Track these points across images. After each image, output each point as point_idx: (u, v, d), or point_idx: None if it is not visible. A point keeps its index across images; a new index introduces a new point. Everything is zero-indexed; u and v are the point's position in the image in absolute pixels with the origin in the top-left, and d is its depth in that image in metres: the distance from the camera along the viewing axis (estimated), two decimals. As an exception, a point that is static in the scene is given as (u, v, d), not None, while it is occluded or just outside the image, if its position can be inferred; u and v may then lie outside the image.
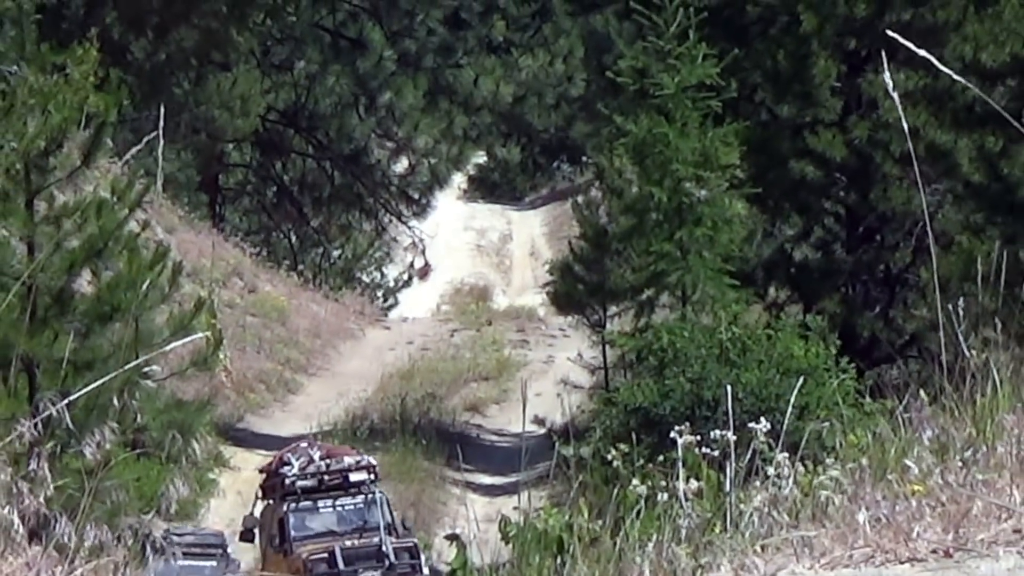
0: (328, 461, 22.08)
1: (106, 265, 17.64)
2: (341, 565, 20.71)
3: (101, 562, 8.24)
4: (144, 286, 17.40)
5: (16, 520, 7.88)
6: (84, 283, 18.02)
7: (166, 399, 19.68)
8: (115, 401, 11.99)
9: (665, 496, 11.22)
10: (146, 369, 15.49)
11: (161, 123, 38.18)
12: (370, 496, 21.88)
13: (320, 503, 21.86)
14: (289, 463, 22.03)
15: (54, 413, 9.24)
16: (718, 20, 26.27)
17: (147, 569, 20.82)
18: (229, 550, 23.79)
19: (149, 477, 19.12)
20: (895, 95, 9.14)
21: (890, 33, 9.51)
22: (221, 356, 23.69)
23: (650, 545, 10.10)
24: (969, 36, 24.70)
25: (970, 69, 24.14)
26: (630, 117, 25.19)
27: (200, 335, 18.38)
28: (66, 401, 9.69)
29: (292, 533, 21.56)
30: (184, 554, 20.89)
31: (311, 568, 20.87)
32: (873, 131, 26.50)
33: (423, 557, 21.18)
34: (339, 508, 21.95)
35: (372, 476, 22.25)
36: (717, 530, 10.26)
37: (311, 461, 21.99)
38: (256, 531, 22.26)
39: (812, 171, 27.47)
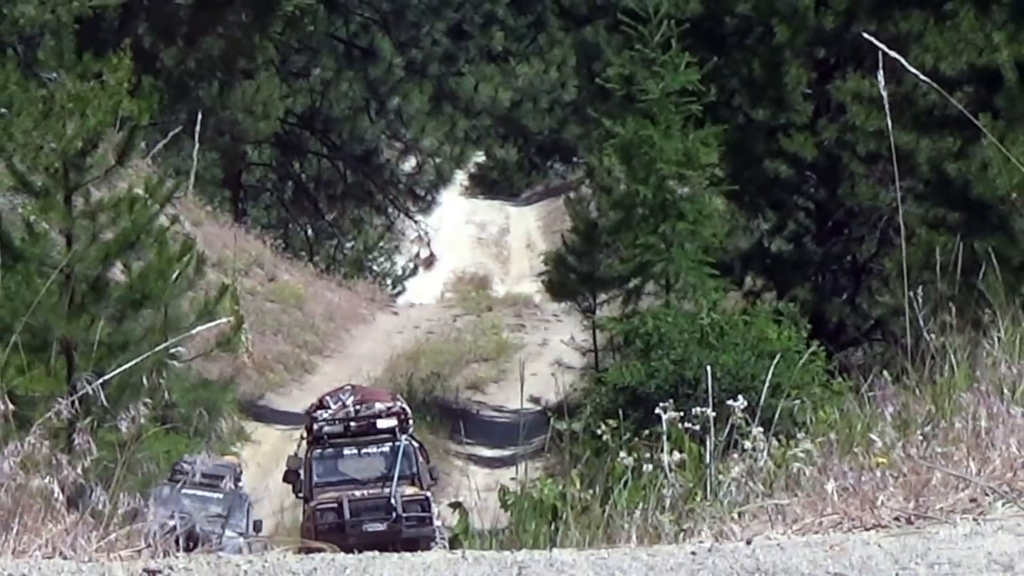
0: (358, 407, 19.83)
1: (138, 256, 17.63)
2: (347, 516, 18.65)
3: (132, 528, 8.23)
4: (172, 275, 17.39)
5: (56, 489, 7.87)
6: (118, 272, 17.99)
7: (193, 378, 19.71)
8: (146, 380, 11.95)
9: (650, 467, 11.20)
10: (174, 351, 15.47)
11: (197, 129, 38.22)
12: (396, 444, 19.50)
13: (346, 450, 19.71)
14: (326, 407, 19.98)
15: (90, 391, 9.20)
16: (699, 31, 26.23)
17: (151, 493, 20.42)
18: (241, 484, 22.02)
19: (178, 450, 19.09)
20: (884, 92, 9.11)
21: (865, 35, 9.47)
22: (243, 339, 23.71)
23: (636, 512, 10.08)
24: (929, 46, 24.65)
25: (930, 77, 24.06)
26: (618, 120, 25.17)
27: (224, 320, 18.38)
28: (101, 380, 9.65)
29: (314, 480, 19.55)
30: (191, 483, 19.83)
31: (319, 518, 18.84)
32: (841, 133, 26.49)
33: (435, 509, 18.70)
34: (364, 456, 19.73)
35: (403, 423, 19.84)
36: (698, 499, 10.25)
37: (344, 406, 19.86)
38: (300, 472, 20.02)
39: (785, 170, 27.47)
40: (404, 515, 18.55)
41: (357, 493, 18.90)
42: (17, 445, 7.94)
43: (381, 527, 18.41)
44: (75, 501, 8.15)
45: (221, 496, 21.33)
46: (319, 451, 19.66)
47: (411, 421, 20.06)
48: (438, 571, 5.68)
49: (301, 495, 19.71)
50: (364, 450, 19.58)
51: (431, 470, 19.90)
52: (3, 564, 5.98)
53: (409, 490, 19.01)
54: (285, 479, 20.14)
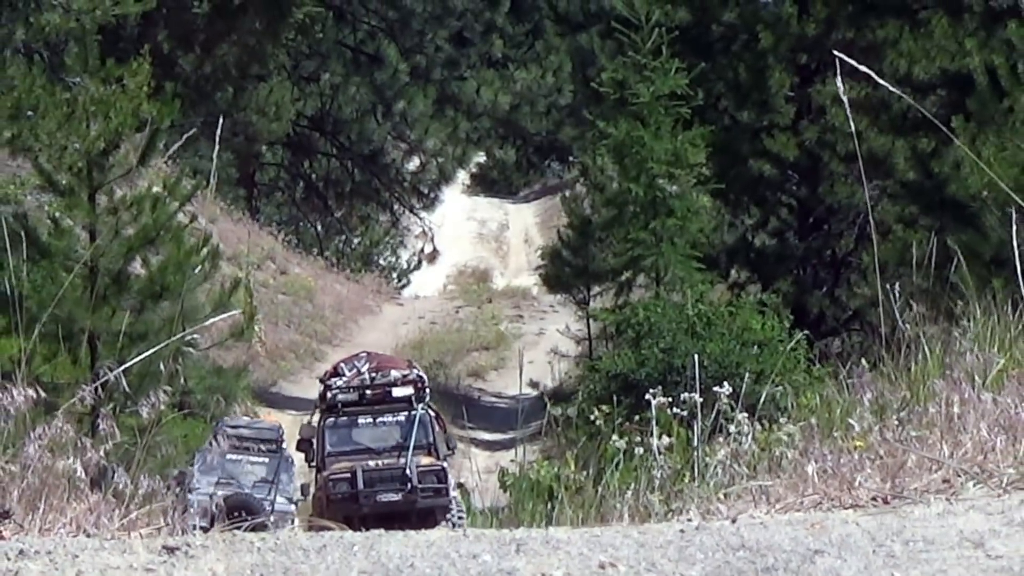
0: (374, 375, 18.17)
1: (157, 251, 17.62)
2: (360, 486, 16.99)
3: (152, 507, 8.23)
4: (190, 269, 17.39)
5: (80, 471, 7.87)
6: (138, 266, 17.99)
7: (209, 366, 19.68)
8: (165, 368, 11.94)
9: (641, 450, 11.22)
10: (191, 340, 15.50)
11: (218, 133, 38.20)
12: (412, 413, 17.78)
13: (360, 419, 18.05)
14: (340, 374, 18.35)
15: (112, 379, 9.22)
16: (687, 38, 26.23)
17: (198, 457, 19.74)
18: (284, 447, 20.56)
19: (195, 434, 19.03)
20: (845, 98, 9.13)
21: (836, 53, 9.47)
22: (256, 329, 23.69)
23: (628, 492, 10.10)
24: (904, 52, 24.67)
25: (905, 81, 24.11)
26: (611, 122, 25.16)
27: (238, 311, 18.38)
28: (122, 368, 9.67)
29: (327, 449, 17.93)
30: (233, 447, 18.71)
31: (332, 488, 17.27)
32: (821, 134, 26.50)
33: (451, 480, 17.13)
34: (378, 425, 18.06)
35: (419, 392, 18.16)
36: (686, 480, 10.26)
37: (359, 374, 18.20)
38: (313, 441, 18.50)
39: (768, 169, 27.47)
40: (419, 486, 16.93)
41: (371, 463, 17.35)
42: (44, 429, 7.95)
43: (396, 497, 16.91)
44: (98, 482, 8.15)
45: (267, 460, 19.91)
46: (332, 419, 18.13)
47: (428, 390, 18.45)
48: (441, 548, 5.68)
49: (314, 464, 18.28)
50: (379, 419, 18.04)
51: (448, 440, 18.26)
52: (30, 541, 5.98)
53: (425, 460, 17.41)
54: (298, 448, 18.65)
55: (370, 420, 18.04)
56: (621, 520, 10.13)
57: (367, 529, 15.71)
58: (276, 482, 19.40)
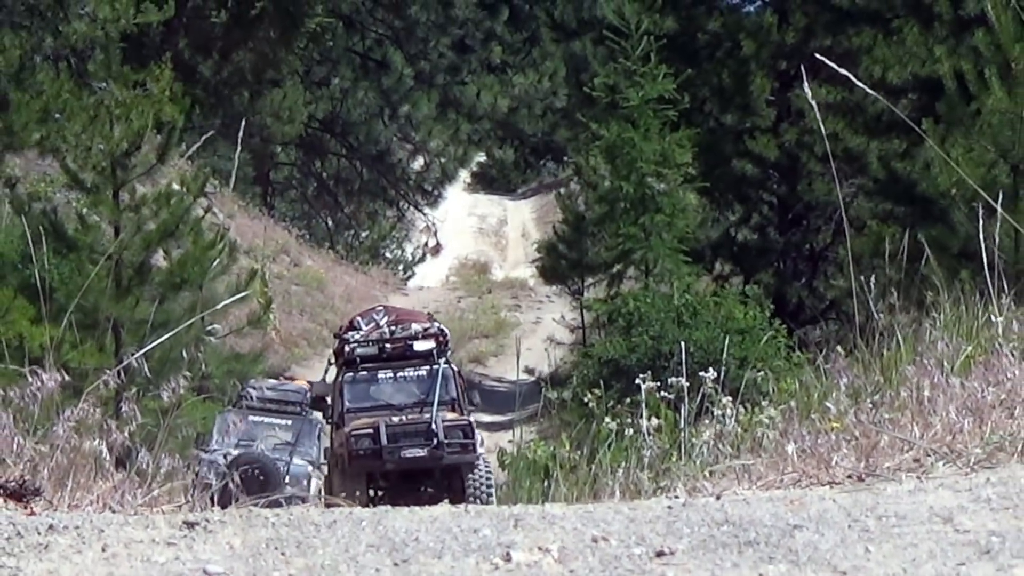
0: (393, 328, 16.28)
1: (177, 244, 17.63)
2: (384, 441, 14.99)
3: (173, 485, 8.23)
4: (208, 261, 17.39)
5: (105, 451, 7.87)
6: (160, 258, 17.99)
7: (226, 352, 19.68)
8: (185, 354, 11.96)
9: (631, 431, 11.21)
10: (210, 328, 15.49)
11: (240, 135, 38.21)
12: (434, 368, 15.88)
13: (380, 374, 16.06)
14: (357, 328, 16.41)
15: (135, 365, 9.21)
16: (675, 45, 26.23)
17: (218, 418, 18.35)
18: (310, 409, 19.40)
19: (213, 416, 19.03)
20: (814, 103, 9.14)
21: (818, 56, 9.47)
22: (271, 318, 23.68)
23: (619, 471, 10.10)
24: (878, 58, 24.66)
25: (879, 85, 24.09)
26: (603, 124, 25.17)
27: (248, 293, 18.37)
28: (144, 354, 9.66)
29: (347, 405, 15.95)
30: (258, 409, 17.80)
31: (353, 443, 15.23)
32: (800, 136, 26.51)
33: (478, 436, 15.31)
34: (399, 380, 16.07)
35: (441, 346, 16.22)
36: (673, 459, 10.25)
37: (377, 327, 16.28)
38: (328, 399, 16.72)
39: (750, 168, 27.49)
40: (446, 441, 15.01)
41: (395, 418, 15.39)
42: (71, 412, 7.94)
43: (421, 453, 15.02)
44: (122, 461, 8.15)
45: (289, 422, 18.94)
46: (351, 375, 16.12)
47: (449, 344, 16.48)
48: (444, 523, 5.68)
49: (332, 421, 16.42)
50: (400, 373, 16.07)
51: (470, 395, 16.46)
52: (59, 517, 5.98)
53: (450, 415, 15.53)
54: (313, 405, 17.09)
55: (390, 375, 16.18)
56: (613, 497, 10.13)
57: (390, 486, 14.45)
58: (295, 444, 18.54)
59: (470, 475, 14.43)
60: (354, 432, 15.38)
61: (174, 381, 8.66)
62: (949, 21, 23.89)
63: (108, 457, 7.91)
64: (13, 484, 6.82)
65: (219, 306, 15.68)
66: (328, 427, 20.88)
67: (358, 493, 13.93)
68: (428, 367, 16.04)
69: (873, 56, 24.75)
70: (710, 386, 10.52)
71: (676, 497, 7.83)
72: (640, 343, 21.58)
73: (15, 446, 7.67)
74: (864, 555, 5.06)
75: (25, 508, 6.67)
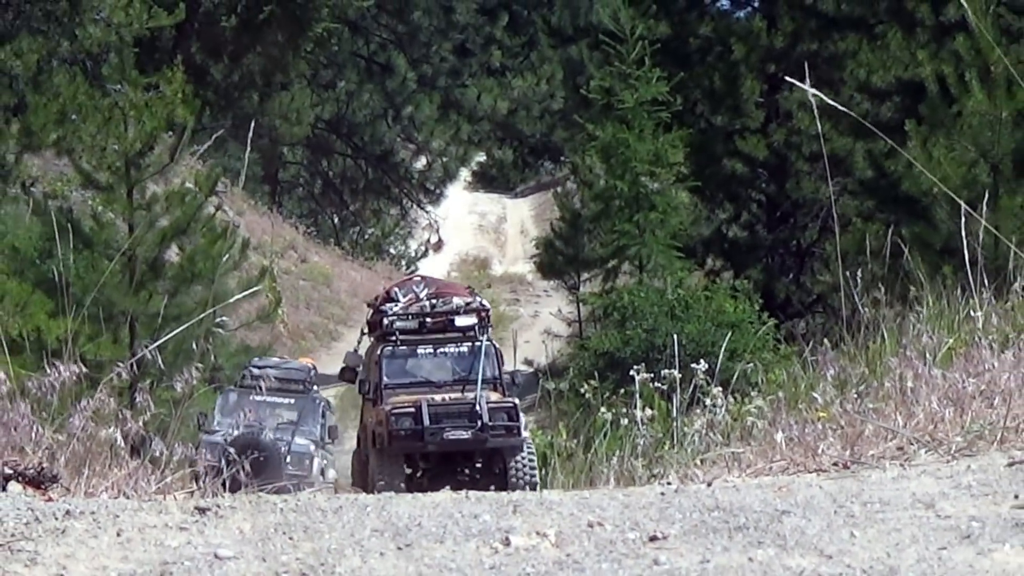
0: (434, 301, 14.59)
1: (189, 240, 17.63)
2: (426, 422, 13.42)
3: (186, 472, 8.23)
4: (219, 257, 17.39)
5: (120, 439, 7.87)
6: (172, 254, 18.00)
7: (236, 345, 19.68)
8: (197, 347, 11.94)
9: (626, 421, 11.21)
10: (221, 321, 15.46)
11: (249, 136, 38.19)
12: (476, 344, 14.28)
13: (420, 348, 14.38)
14: (395, 299, 14.66)
15: (149, 356, 9.19)
16: (668, 50, 26.22)
17: (220, 398, 17.98)
18: (315, 388, 18.75)
19: (214, 396, 18.98)
20: (814, 102, 9.13)
21: (805, 61, 9.44)
22: (279, 312, 23.64)
23: (614, 459, 10.10)
24: (863, 62, 24.65)
25: (864, 88, 24.10)
26: (598, 125, 25.16)
27: (259, 289, 18.36)
28: (158, 346, 9.65)
29: (384, 380, 14.19)
30: (259, 388, 17.23)
31: (394, 423, 13.59)
32: (788, 137, 26.51)
33: (523, 419, 13.78)
34: (440, 355, 14.42)
35: (483, 322, 14.56)
36: (666, 447, 10.25)
37: (416, 299, 14.59)
38: (359, 370, 14.91)
39: (740, 168, 27.49)
40: (490, 423, 13.56)
41: (437, 397, 13.87)
42: (88, 402, 7.94)
43: (465, 435, 13.56)
44: (137, 449, 8.15)
45: (293, 401, 18.21)
46: (390, 349, 14.40)
47: (491, 320, 14.93)
48: (446, 509, 5.68)
49: (369, 397, 14.61)
50: (440, 349, 14.46)
51: (512, 375, 14.74)
52: (76, 502, 5.98)
53: (494, 396, 14.08)
54: (341, 376, 15.29)
55: (430, 350, 14.51)
56: (608, 483, 10.14)
57: (430, 468, 13.56)
58: (298, 423, 17.86)
59: (514, 459, 13.06)
60: (395, 411, 13.77)
61: (186, 372, 8.66)
62: (931, 26, 23.90)
63: (123, 445, 7.91)
64: (31, 471, 6.82)
65: (230, 300, 15.66)
66: (328, 405, 19.82)
67: (397, 474, 12.77)
68: (470, 344, 14.50)
69: (858, 60, 24.75)
70: (701, 377, 10.52)
71: (669, 484, 7.83)
72: (634, 336, 21.58)
73: (33, 435, 7.68)
74: (849, 539, 5.07)
75: (43, 494, 6.68)
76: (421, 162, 50.40)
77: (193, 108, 17.91)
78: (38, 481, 6.80)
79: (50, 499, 6.37)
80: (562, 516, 5.50)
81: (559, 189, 38.20)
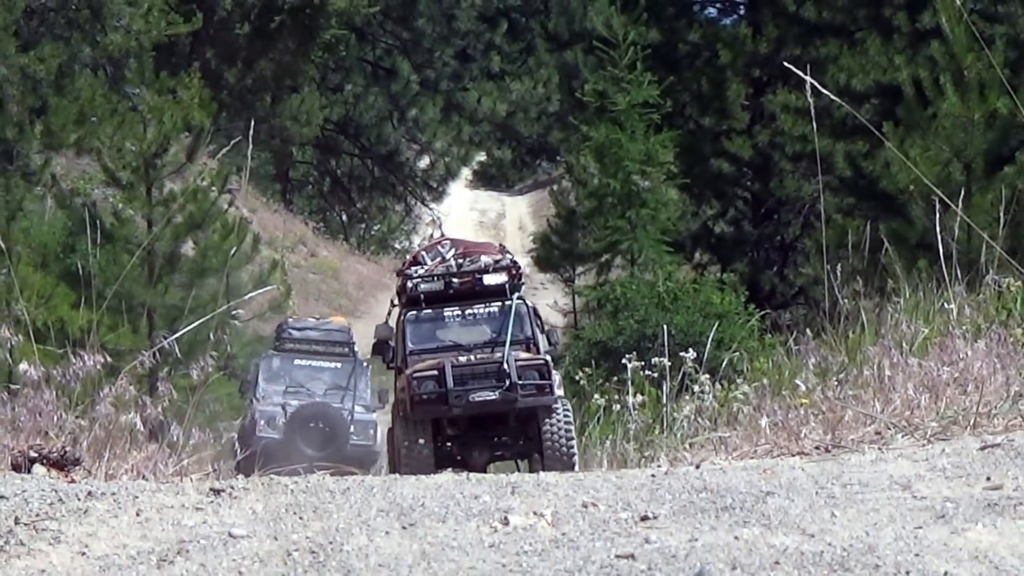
0: (460, 261, 12.82)
1: (204, 236, 17.64)
2: (450, 384, 11.70)
3: (201, 456, 8.24)
4: (232, 252, 17.39)
5: (139, 424, 7.88)
6: (188, 249, 18.00)
7: (250, 335, 19.69)
8: (212, 337, 11.93)
9: (618, 407, 11.21)
10: (234, 312, 15.45)
11: (252, 135, 38.15)
12: (507, 304, 12.48)
13: (447, 311, 12.54)
14: (421, 262, 12.90)
15: (167, 346, 9.19)
16: (658, 55, 26.20)
17: (256, 364, 16.54)
18: (356, 350, 16.69)
19: (238, 393, 19.01)
20: (811, 102, 9.13)
21: (787, 64, 9.45)
22: (290, 303, 23.65)
23: (607, 443, 10.12)
24: (843, 66, 24.64)
25: (844, 91, 24.07)
26: (593, 127, 25.14)
27: (273, 287, 18.34)
28: (175, 336, 9.65)
29: (409, 346, 12.40)
30: (302, 351, 15.95)
31: (416, 387, 11.81)
32: (772, 137, 26.49)
33: (556, 378, 11.90)
34: (468, 318, 12.63)
35: (514, 280, 12.77)
36: (656, 432, 10.26)
37: (443, 261, 12.87)
38: (391, 343, 12.78)
39: (727, 167, 27.48)
40: (519, 382, 11.77)
41: (462, 358, 12.09)
42: (109, 389, 7.95)
43: (492, 396, 11.79)
44: (155, 434, 8.15)
45: (338, 365, 16.17)
46: (414, 313, 12.61)
47: (523, 278, 13.13)
48: (448, 490, 5.69)
49: (393, 365, 12.88)
50: (468, 311, 12.67)
51: (549, 334, 12.80)
52: (97, 484, 5.99)
53: (524, 354, 12.22)
54: (375, 351, 13.06)
55: (458, 313, 12.71)
56: (601, 466, 10.15)
57: (458, 434, 11.68)
58: (353, 389, 15.88)
59: (547, 420, 11.59)
60: (416, 374, 12.04)
61: (202, 361, 8.67)
62: (907, 33, 23.91)
63: (142, 430, 7.91)
64: (55, 454, 6.83)
65: (246, 296, 15.64)
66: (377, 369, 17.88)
67: (422, 442, 11.40)
68: (500, 303, 12.71)
69: (839, 65, 24.74)
70: (690, 365, 10.52)
71: (659, 466, 7.84)
72: (626, 326, 21.56)
73: (57, 420, 7.69)
74: (830, 519, 5.07)
75: (66, 476, 6.68)
76: (424, 161, 50.37)
77: (209, 111, 17.93)
78: (62, 464, 6.81)
79: (73, 481, 6.37)
80: (558, 497, 5.50)
81: (555, 187, 38.09)
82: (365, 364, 16.10)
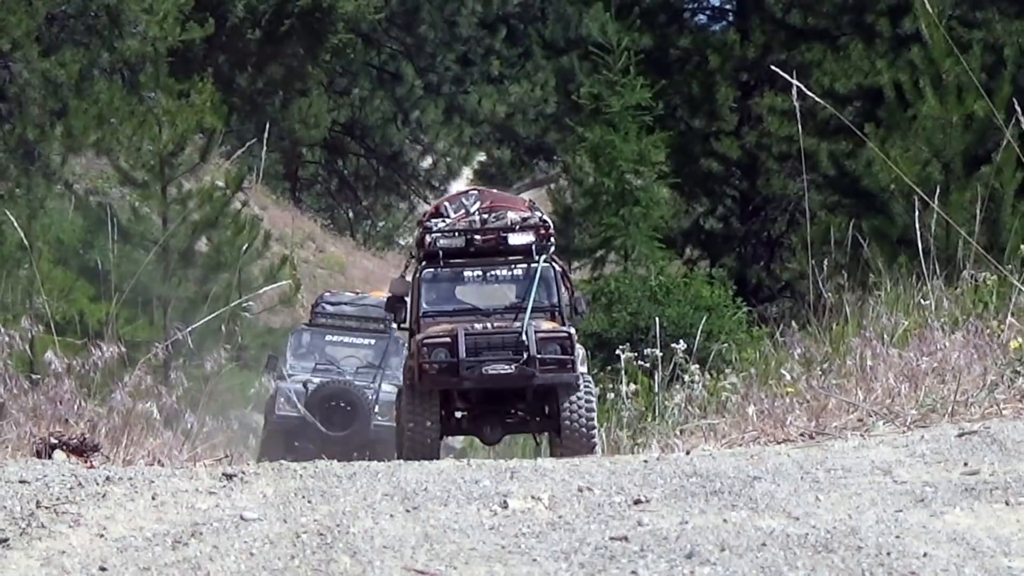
0: (485, 216, 10.58)
1: (217, 232, 17.63)
2: (462, 353, 9.78)
3: (214, 442, 8.24)
4: (244, 248, 17.39)
5: (155, 412, 7.88)
6: (202, 245, 17.99)
7: (260, 327, 19.69)
8: (224, 329, 11.95)
9: (612, 396, 11.20)
10: (246, 306, 15.44)
11: (265, 136, 38.18)
12: (532, 266, 10.35)
13: (466, 271, 10.46)
14: (443, 214, 10.67)
15: (181, 337, 9.20)
16: (651, 60, 26.20)
17: (292, 338, 15.31)
18: (394, 327, 14.33)
19: (250, 383, 18.94)
20: (797, 105, 9.14)
21: (774, 68, 9.44)
22: (299, 297, 23.63)
23: (601, 430, 10.10)
24: (827, 70, 24.65)
25: (828, 94, 24.06)
26: (588, 128, 25.13)
27: (284, 282, 18.33)
28: (190, 329, 9.65)
29: (423, 307, 10.37)
30: (336, 327, 14.64)
31: (425, 355, 9.86)
32: (759, 138, 26.50)
33: (580, 352, 9.92)
34: (490, 279, 10.55)
35: (542, 240, 10.46)
36: (649, 420, 10.25)
37: (467, 215, 10.63)
38: (407, 299, 10.65)
39: (716, 166, 27.48)
40: (538, 356, 9.86)
41: (477, 325, 10.08)
42: (127, 378, 7.95)
43: (508, 370, 9.89)
44: (170, 422, 8.15)
45: (372, 341, 14.67)
46: (431, 271, 10.50)
47: (552, 238, 10.70)
48: (450, 475, 5.69)
49: (405, 326, 10.71)
50: (491, 272, 10.61)
51: (575, 302, 10.54)
52: (115, 469, 5.99)
53: (546, 325, 10.15)
54: (387, 307, 10.80)
55: (479, 273, 10.65)
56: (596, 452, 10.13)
57: (471, 407, 10.02)
58: (383, 367, 14.51)
59: (568, 398, 9.96)
60: (427, 341, 10.11)
61: (215, 352, 8.67)
62: (889, 38, 23.91)
63: (158, 418, 7.91)
64: (75, 441, 6.83)
65: (260, 292, 15.62)
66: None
67: (429, 425, 9.91)
68: (526, 266, 10.66)
69: (823, 68, 24.75)
70: (681, 356, 10.51)
71: (651, 453, 7.84)
72: (620, 319, 21.56)
73: (77, 408, 7.69)
74: (815, 503, 5.07)
75: (85, 462, 6.68)
76: (427, 161, 50.36)
77: (221, 114, 17.92)
78: (81, 450, 6.81)
79: (92, 466, 6.37)
80: (555, 482, 5.50)
81: (552, 186, 38.11)
82: (402, 342, 14.39)
